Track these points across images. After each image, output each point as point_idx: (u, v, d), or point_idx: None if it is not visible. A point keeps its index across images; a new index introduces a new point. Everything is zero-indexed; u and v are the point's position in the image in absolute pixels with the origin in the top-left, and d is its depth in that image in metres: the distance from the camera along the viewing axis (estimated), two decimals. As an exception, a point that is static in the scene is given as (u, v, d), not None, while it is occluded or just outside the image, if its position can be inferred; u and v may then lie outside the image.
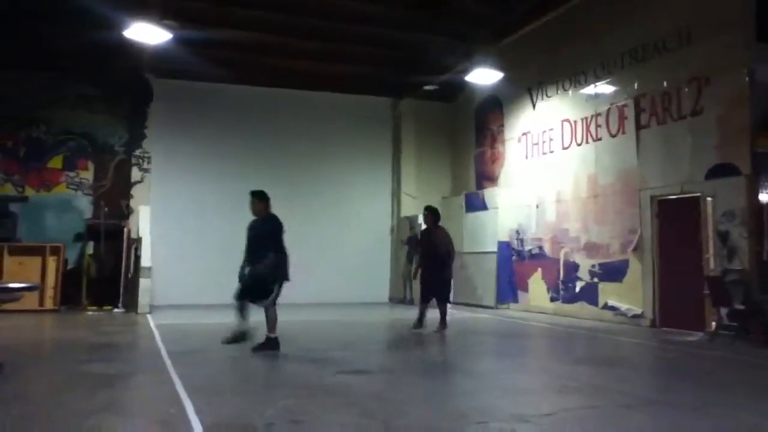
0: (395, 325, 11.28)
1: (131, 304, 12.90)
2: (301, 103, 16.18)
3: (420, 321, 10.07)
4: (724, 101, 9.66)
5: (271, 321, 7.78)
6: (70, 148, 14.33)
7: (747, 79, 9.34)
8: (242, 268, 7.93)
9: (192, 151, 15.29)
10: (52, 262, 12.90)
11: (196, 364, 7.09)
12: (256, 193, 8.13)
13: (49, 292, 12.77)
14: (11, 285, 6.80)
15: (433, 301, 10.12)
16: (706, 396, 5.68)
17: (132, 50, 12.78)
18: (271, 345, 7.70)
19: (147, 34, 11.66)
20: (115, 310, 13.01)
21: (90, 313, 12.71)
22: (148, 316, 12.11)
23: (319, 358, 7.63)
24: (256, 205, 8.09)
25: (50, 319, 11.75)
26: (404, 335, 9.72)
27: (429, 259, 10.20)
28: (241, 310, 7.84)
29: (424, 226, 10.93)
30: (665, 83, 10.69)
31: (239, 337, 7.81)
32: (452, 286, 14.70)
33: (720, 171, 9.66)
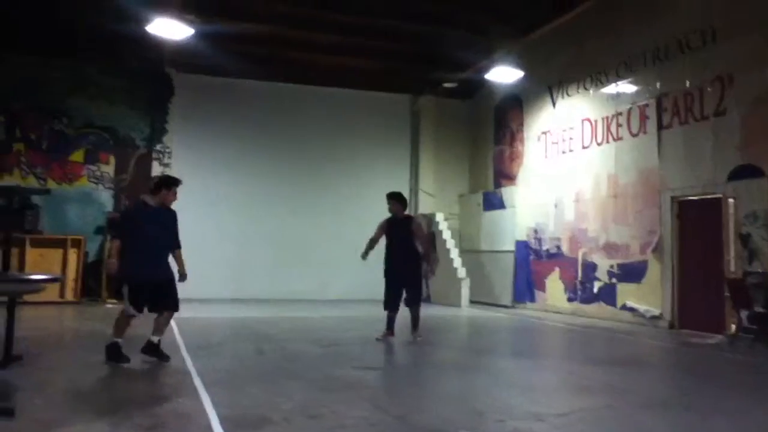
0: (408, 323, 11.26)
1: (150, 298, 12.97)
2: (320, 99, 16.21)
3: (389, 328, 8.85)
4: (748, 101, 9.53)
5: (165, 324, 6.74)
6: (91, 141, 14.46)
7: (772, 78, 9.23)
8: (147, 267, 6.45)
9: (212, 147, 15.35)
10: (73, 255, 13.06)
11: (214, 357, 7.16)
12: (175, 180, 6.88)
13: (70, 285, 12.94)
14: (34, 277, 6.87)
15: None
16: (725, 399, 5.63)
17: (153, 44, 12.89)
18: (159, 351, 6.61)
19: (169, 29, 11.76)
20: (134, 303, 13.12)
21: (109, 305, 12.82)
22: (167, 309, 12.18)
23: (335, 353, 7.67)
24: (171, 197, 6.77)
25: (71, 311, 11.90)
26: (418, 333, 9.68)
27: (396, 256, 8.83)
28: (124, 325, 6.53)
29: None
30: (688, 83, 10.57)
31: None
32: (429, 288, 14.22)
33: (743, 172, 9.54)
